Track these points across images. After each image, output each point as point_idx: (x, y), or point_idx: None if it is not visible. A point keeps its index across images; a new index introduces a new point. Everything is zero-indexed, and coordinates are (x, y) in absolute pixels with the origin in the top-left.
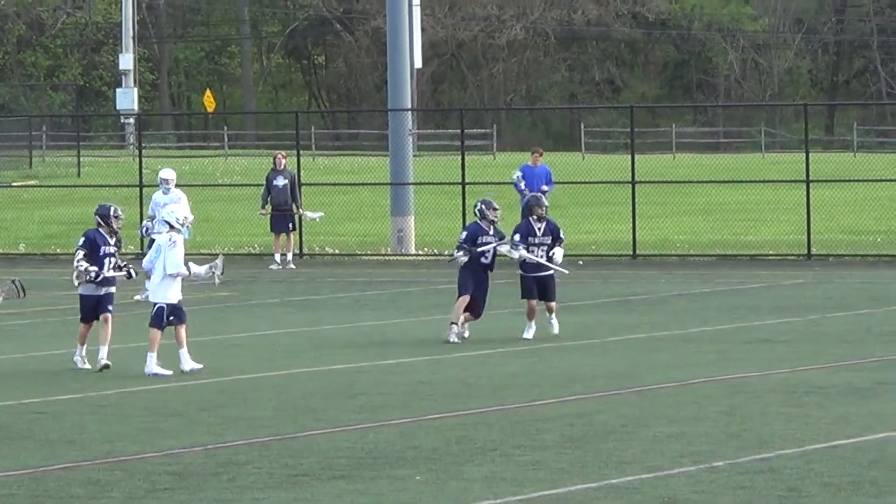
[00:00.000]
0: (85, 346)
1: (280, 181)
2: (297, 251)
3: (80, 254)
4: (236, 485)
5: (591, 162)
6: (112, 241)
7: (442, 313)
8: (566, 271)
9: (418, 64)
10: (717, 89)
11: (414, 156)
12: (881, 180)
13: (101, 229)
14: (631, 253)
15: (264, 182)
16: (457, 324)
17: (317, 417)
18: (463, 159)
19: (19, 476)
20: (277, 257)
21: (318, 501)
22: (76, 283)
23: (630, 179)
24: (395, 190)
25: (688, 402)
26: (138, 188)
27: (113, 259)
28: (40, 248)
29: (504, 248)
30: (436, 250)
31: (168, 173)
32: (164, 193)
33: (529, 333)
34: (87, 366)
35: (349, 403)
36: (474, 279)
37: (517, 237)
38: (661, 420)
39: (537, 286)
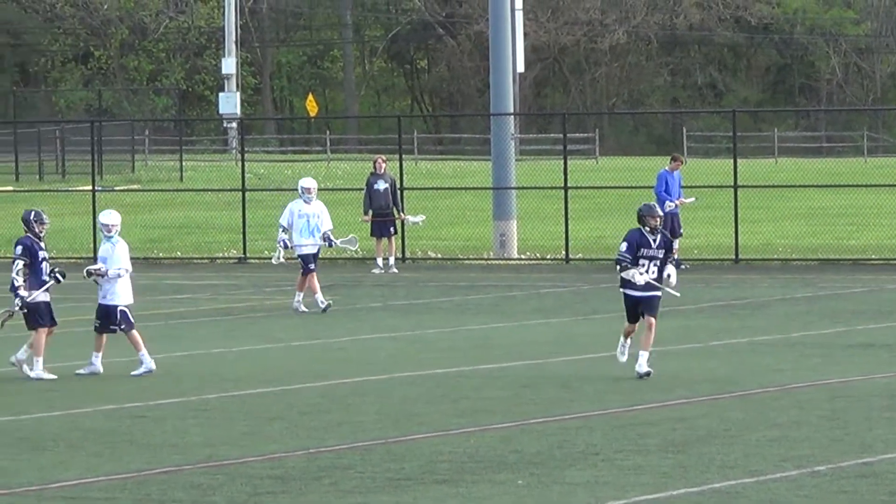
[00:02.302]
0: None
1: (381, 185)
2: (400, 255)
3: (20, 264)
4: (339, 489)
5: (694, 166)
6: (43, 246)
7: (543, 317)
8: (678, 294)
9: (521, 68)
10: (820, 93)
11: (516, 160)
12: None
13: (29, 235)
14: (733, 257)
15: (365, 187)
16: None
17: (419, 422)
18: (565, 163)
19: (122, 480)
20: (380, 261)
21: None
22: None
23: (732, 184)
24: (497, 194)
25: (790, 406)
26: (241, 192)
27: (47, 264)
28: (143, 252)
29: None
30: (538, 254)
31: (309, 182)
32: (307, 203)
33: (625, 356)
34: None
35: (451, 408)
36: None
37: (624, 246)
38: (763, 424)
39: (643, 304)
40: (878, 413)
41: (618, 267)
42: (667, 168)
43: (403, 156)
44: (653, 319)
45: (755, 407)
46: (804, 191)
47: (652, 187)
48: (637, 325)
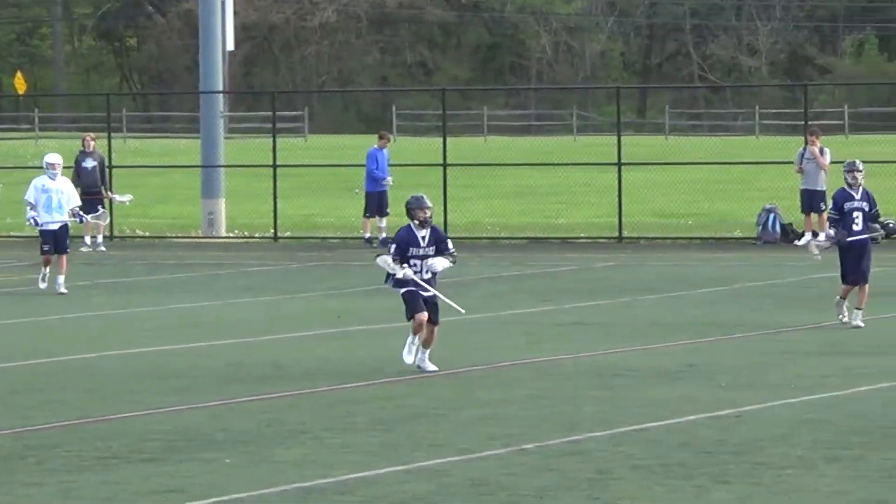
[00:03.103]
0: None
1: (89, 163)
2: (108, 233)
3: None
4: (44, 468)
5: (403, 145)
6: None
7: (252, 296)
8: (459, 308)
9: (230, 46)
10: (530, 72)
11: (225, 138)
12: (692, 163)
13: None
14: None
15: (73, 165)
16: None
17: (128, 400)
18: (274, 142)
19: None
20: (87, 239)
21: (128, 484)
22: None
23: (442, 162)
24: (205, 172)
25: (498, 384)
26: None
27: None
28: None
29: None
30: (247, 233)
31: (54, 157)
32: (51, 179)
33: (411, 356)
34: None
35: (160, 386)
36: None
37: (392, 248)
38: (471, 403)
39: (428, 305)
40: (585, 391)
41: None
42: (375, 146)
43: (112, 134)
44: (436, 328)
45: (463, 385)
46: (514, 169)
47: (362, 165)
48: (426, 328)
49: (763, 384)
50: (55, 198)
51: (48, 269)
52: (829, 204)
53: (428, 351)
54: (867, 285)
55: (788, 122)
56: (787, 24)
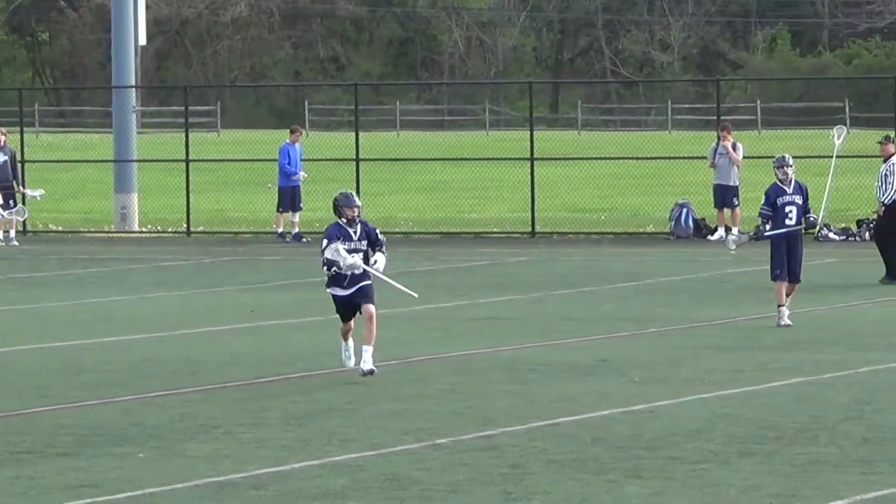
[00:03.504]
0: None
1: (0, 158)
2: (21, 228)
3: None
4: None
5: (316, 139)
6: None
7: (165, 290)
8: (410, 292)
9: (142, 41)
10: (442, 67)
11: (138, 133)
12: (605, 158)
13: None
14: None
15: None
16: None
17: (40, 395)
18: (187, 136)
19: None
20: (0, 234)
21: (42, 479)
22: None
23: (354, 157)
24: (118, 167)
25: (411, 379)
26: None
27: None
28: None
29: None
30: (159, 227)
31: None
32: None
33: (351, 359)
34: None
35: (73, 381)
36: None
37: (325, 243)
38: (384, 398)
39: (357, 297)
40: (499, 386)
41: (324, 269)
42: (287, 141)
43: (24, 128)
44: (372, 307)
45: (376, 380)
46: (426, 164)
47: (274, 160)
48: (353, 322)
49: (677, 379)
50: None
51: None
52: (764, 200)
53: (370, 349)
54: (797, 285)
55: (701, 118)
56: (700, 18)
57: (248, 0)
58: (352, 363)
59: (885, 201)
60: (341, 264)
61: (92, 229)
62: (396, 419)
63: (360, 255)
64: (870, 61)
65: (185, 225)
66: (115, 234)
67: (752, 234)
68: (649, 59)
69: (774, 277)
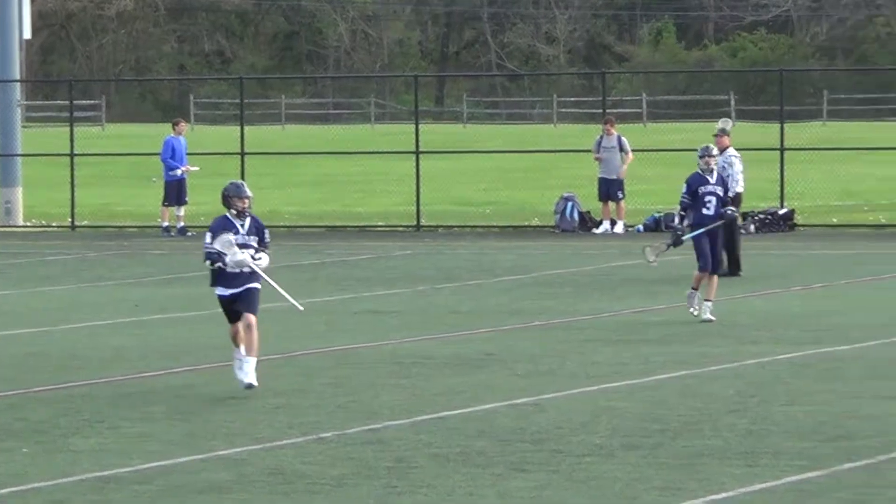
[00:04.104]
0: None
1: None
2: None
3: None
4: None
5: (201, 133)
6: None
7: (49, 284)
8: (296, 304)
9: (27, 35)
10: (328, 61)
11: (22, 127)
12: (490, 152)
13: None
14: None
15: None
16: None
17: None
18: (72, 130)
19: None
20: None
21: None
22: None
23: (240, 151)
24: (2, 161)
25: (296, 373)
26: None
27: None
28: None
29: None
30: (44, 221)
31: None
32: None
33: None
34: None
35: None
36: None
37: (209, 236)
38: (269, 392)
39: (238, 301)
40: (384, 380)
41: (207, 262)
42: (171, 134)
43: None
44: (252, 317)
45: (261, 374)
46: (312, 158)
47: (158, 154)
48: (241, 324)
49: (562, 372)
50: None
51: None
52: (685, 189)
53: (252, 361)
54: (716, 277)
55: (586, 111)
56: (585, 12)
57: None
58: (244, 377)
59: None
60: (228, 259)
61: None
62: (281, 413)
63: (249, 251)
64: (755, 54)
65: (69, 219)
66: None
67: (669, 241)
68: (535, 52)
69: (701, 270)
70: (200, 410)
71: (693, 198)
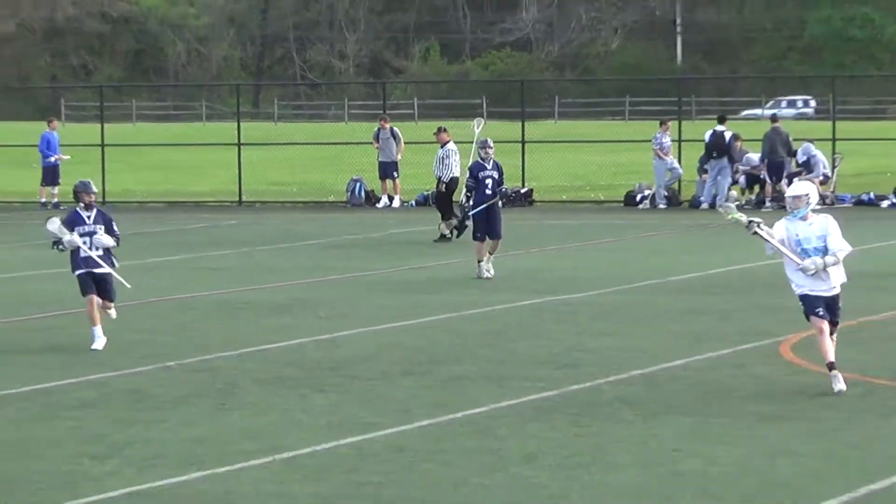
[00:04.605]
0: None
1: None
2: None
3: None
4: None
5: (71, 129)
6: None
7: None
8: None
9: None
10: (169, 72)
11: None
12: (296, 143)
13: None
14: (101, 200)
15: None
16: None
17: None
18: None
19: None
20: None
21: None
22: None
23: (100, 143)
24: None
25: (149, 316)
26: None
27: None
28: None
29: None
30: None
31: None
32: None
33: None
34: None
35: None
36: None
37: (53, 224)
38: (128, 330)
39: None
40: (216, 321)
41: (53, 248)
42: (47, 130)
43: None
44: (108, 303)
45: (121, 317)
46: (157, 148)
47: (37, 145)
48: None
49: (354, 315)
50: None
51: None
52: (469, 174)
53: (98, 326)
54: (500, 240)
55: (371, 112)
56: (370, 34)
57: (17, 20)
58: (98, 345)
59: (445, 179)
60: (64, 239)
61: None
62: (138, 347)
63: (95, 237)
64: (502, 68)
65: None
66: None
67: (460, 217)
68: (330, 66)
69: (476, 238)
70: (73, 345)
71: (476, 181)
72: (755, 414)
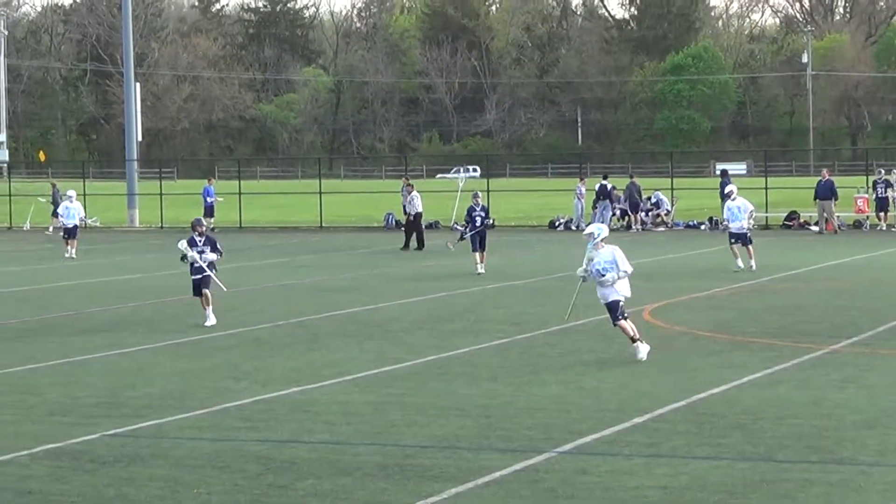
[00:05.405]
0: None
1: None
2: None
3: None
4: None
5: (221, 185)
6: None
7: None
8: (224, 287)
9: None
10: (278, 150)
11: None
12: (353, 193)
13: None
14: (239, 226)
15: None
16: None
17: None
18: None
19: None
20: None
21: None
22: None
23: (238, 192)
24: None
25: (259, 293)
26: None
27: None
28: None
29: None
30: None
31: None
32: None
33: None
34: None
35: None
36: None
37: (182, 244)
38: (251, 304)
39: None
40: (307, 297)
41: (181, 260)
42: (207, 184)
43: None
44: (206, 291)
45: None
46: (272, 196)
47: (200, 193)
48: (203, 297)
49: (387, 294)
50: None
51: None
52: (466, 214)
53: (210, 308)
54: (485, 251)
55: (398, 172)
56: (397, 127)
57: (188, 120)
58: (208, 322)
59: (412, 213)
60: (187, 254)
61: None
62: (259, 315)
63: (204, 254)
64: (475, 147)
65: None
66: None
67: (458, 239)
68: (374, 146)
69: (473, 251)
70: (218, 315)
71: (470, 217)
72: (630, 355)
